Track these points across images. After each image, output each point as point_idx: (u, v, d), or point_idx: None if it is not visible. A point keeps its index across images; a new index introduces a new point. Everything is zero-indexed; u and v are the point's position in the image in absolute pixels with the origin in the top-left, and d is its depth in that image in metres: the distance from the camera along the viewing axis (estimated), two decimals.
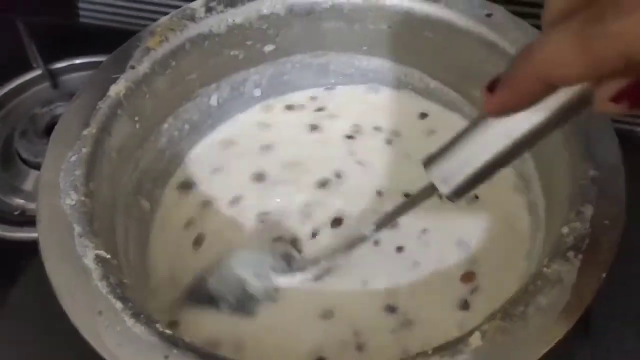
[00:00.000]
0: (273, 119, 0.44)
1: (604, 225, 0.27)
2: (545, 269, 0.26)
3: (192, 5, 0.40)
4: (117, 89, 0.35)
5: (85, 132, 0.33)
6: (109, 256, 0.28)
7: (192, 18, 0.39)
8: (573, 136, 0.31)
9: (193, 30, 0.39)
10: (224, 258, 0.34)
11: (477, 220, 0.36)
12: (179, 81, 0.39)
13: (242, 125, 0.43)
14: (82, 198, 0.30)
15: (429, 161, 0.27)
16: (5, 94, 0.59)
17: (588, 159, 0.29)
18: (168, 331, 0.25)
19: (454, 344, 0.24)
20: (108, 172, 0.33)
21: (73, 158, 0.31)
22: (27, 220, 0.49)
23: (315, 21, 0.41)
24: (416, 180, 0.28)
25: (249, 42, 0.41)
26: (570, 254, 0.26)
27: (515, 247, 0.34)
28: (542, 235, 0.32)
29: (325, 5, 0.41)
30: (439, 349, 0.24)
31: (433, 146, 0.26)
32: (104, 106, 0.34)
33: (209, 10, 0.39)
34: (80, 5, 0.69)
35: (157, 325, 0.25)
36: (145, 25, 0.63)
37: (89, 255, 0.28)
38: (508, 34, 0.36)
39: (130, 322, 0.25)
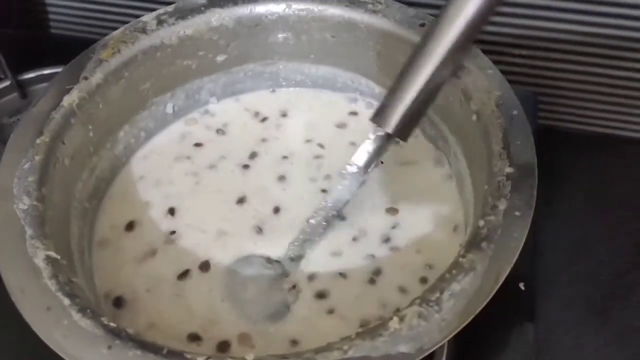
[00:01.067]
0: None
1: (514, 216, 0.29)
2: (461, 259, 0.28)
3: (144, 18, 0.42)
4: (70, 99, 0.37)
5: (38, 141, 0.34)
6: (58, 257, 0.30)
7: (144, 30, 0.41)
8: (494, 137, 0.33)
9: (145, 42, 0.40)
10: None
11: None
12: (133, 91, 0.41)
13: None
14: (35, 203, 0.32)
15: (374, 114, 0.34)
16: None
17: (505, 157, 0.32)
18: (113, 324, 0.27)
19: (375, 329, 0.26)
20: (61, 178, 0.35)
21: (26, 165, 0.33)
22: None
23: (263, 32, 0.43)
24: None
25: (201, 53, 0.43)
26: (484, 244, 0.29)
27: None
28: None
29: (272, 17, 0.43)
30: (360, 334, 0.26)
31: None
32: (57, 116, 0.36)
33: (160, 22, 0.41)
34: (51, 16, 0.70)
35: (103, 319, 0.27)
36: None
37: (40, 255, 0.29)
38: None
39: (76, 316, 0.27)
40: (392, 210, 0.39)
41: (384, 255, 0.37)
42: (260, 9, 0.42)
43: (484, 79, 0.36)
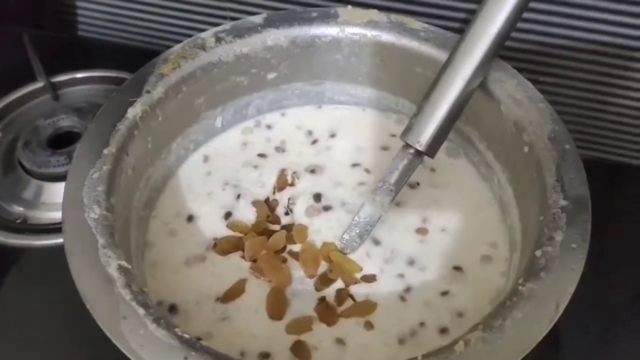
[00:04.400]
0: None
1: (571, 248, 0.31)
2: (520, 287, 0.29)
3: (203, 35, 0.43)
4: (134, 111, 0.38)
5: (105, 151, 0.35)
6: (129, 266, 0.31)
7: (203, 47, 0.42)
8: (547, 169, 0.35)
9: (204, 58, 0.42)
10: None
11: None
12: (188, 105, 0.42)
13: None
14: (104, 212, 0.33)
15: (405, 131, 0.37)
16: (9, 104, 0.61)
17: (559, 190, 0.33)
18: (186, 335, 0.28)
19: (441, 351, 0.27)
20: (125, 188, 0.36)
21: (95, 175, 0.34)
22: (28, 228, 0.51)
23: (315, 53, 0.45)
24: None
25: (253, 70, 0.44)
26: (542, 274, 0.30)
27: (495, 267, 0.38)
28: (518, 255, 0.36)
29: (325, 40, 0.44)
30: (427, 355, 0.27)
31: None
32: (122, 127, 0.37)
33: (218, 40, 0.43)
34: (80, 19, 0.71)
35: (177, 330, 0.28)
36: (140, 41, 0.67)
37: (112, 265, 0.30)
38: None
39: (152, 326, 0.28)
40: (422, 231, 0.40)
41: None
42: (315, 30, 0.44)
43: (535, 112, 0.37)
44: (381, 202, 0.38)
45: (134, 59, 0.46)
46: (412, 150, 0.37)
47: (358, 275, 0.38)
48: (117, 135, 0.36)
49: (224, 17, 0.60)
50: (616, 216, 0.46)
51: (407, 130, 0.37)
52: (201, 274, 0.38)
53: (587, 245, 0.31)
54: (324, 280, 0.38)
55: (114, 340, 0.27)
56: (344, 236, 0.39)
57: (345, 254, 0.39)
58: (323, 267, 0.39)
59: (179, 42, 0.42)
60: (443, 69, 0.37)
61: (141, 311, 0.28)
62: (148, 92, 0.39)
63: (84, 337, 0.42)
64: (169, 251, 0.39)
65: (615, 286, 0.46)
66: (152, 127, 0.39)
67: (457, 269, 0.38)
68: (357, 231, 0.39)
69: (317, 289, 0.38)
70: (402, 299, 0.37)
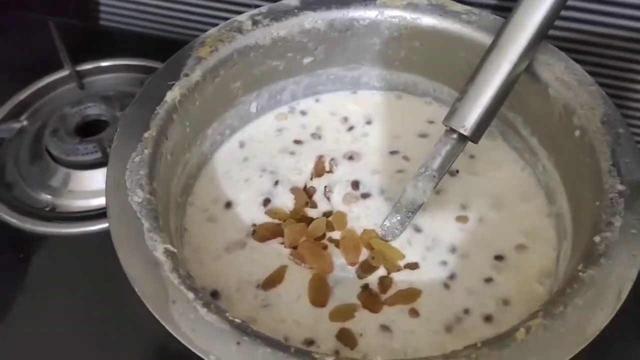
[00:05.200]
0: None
1: (631, 234, 0.30)
2: (580, 274, 0.28)
3: (239, 18, 0.42)
4: (172, 95, 0.37)
5: (146, 135, 0.35)
6: (175, 250, 0.30)
7: (240, 30, 0.41)
8: (601, 153, 0.34)
9: (241, 41, 0.41)
10: None
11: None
12: (225, 89, 0.42)
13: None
14: (148, 196, 0.32)
15: (448, 116, 0.36)
16: (34, 92, 0.61)
17: (615, 175, 0.32)
18: (237, 320, 0.27)
19: (502, 338, 0.26)
20: (164, 173, 0.35)
21: (137, 158, 0.33)
22: (57, 216, 0.51)
23: (352, 37, 0.44)
24: None
25: (290, 54, 0.44)
26: (603, 260, 0.29)
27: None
28: (569, 243, 0.35)
29: (364, 23, 0.43)
30: (487, 342, 0.26)
31: None
32: (161, 111, 0.36)
33: (255, 23, 0.42)
34: (102, 8, 0.71)
35: (227, 314, 0.27)
36: (162, 30, 0.66)
37: (159, 248, 0.30)
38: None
39: (202, 311, 0.27)
40: (462, 219, 0.40)
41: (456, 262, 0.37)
42: (353, 13, 0.43)
43: (586, 95, 0.36)
44: (423, 189, 0.37)
45: (157, 48, 0.46)
46: (455, 135, 0.36)
47: (401, 263, 0.37)
48: (157, 119, 0.36)
49: (249, 5, 0.59)
50: None
51: (451, 114, 0.36)
52: (242, 261, 0.37)
53: None
54: (366, 268, 0.37)
55: (165, 324, 0.27)
56: (385, 223, 0.38)
57: (386, 241, 0.38)
58: (364, 254, 0.38)
59: (201, 31, 0.41)
60: (488, 52, 0.36)
61: (190, 295, 0.28)
62: (186, 75, 0.38)
63: (110, 323, 0.42)
64: (210, 237, 0.38)
65: None
66: (190, 111, 0.38)
67: (499, 257, 0.37)
68: (399, 218, 0.38)
69: (360, 277, 0.37)
70: (446, 286, 0.36)
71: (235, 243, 0.38)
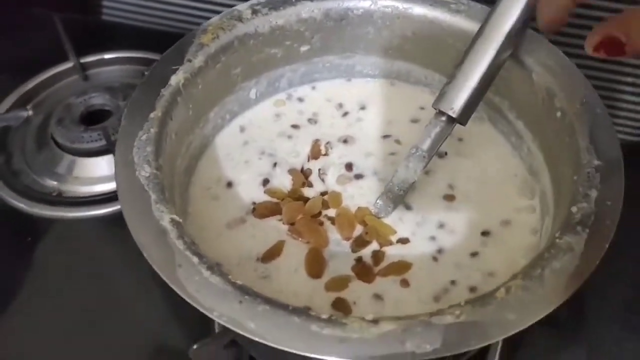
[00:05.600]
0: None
1: (606, 205, 0.32)
2: (557, 240, 0.31)
3: (239, 7, 0.44)
4: (177, 78, 0.39)
5: (152, 115, 0.37)
6: (180, 220, 0.32)
7: (240, 19, 0.43)
8: (580, 133, 0.36)
9: (241, 29, 0.43)
10: None
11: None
12: (226, 75, 0.44)
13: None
14: (154, 171, 0.34)
15: (437, 99, 0.38)
16: (39, 84, 0.63)
17: (592, 152, 0.34)
18: (239, 282, 0.29)
19: (483, 297, 0.29)
20: (169, 152, 0.37)
21: (144, 137, 0.35)
22: (62, 201, 0.53)
23: (347, 26, 0.46)
24: None
25: (287, 42, 0.46)
26: (579, 228, 0.31)
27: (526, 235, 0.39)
28: (550, 219, 0.37)
29: (358, 12, 0.45)
30: (470, 301, 0.28)
31: None
32: (166, 93, 0.38)
33: (254, 12, 0.44)
34: (105, 3, 0.73)
35: (229, 277, 0.29)
36: (163, 24, 0.68)
37: (165, 218, 0.32)
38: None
39: (206, 273, 0.29)
40: (449, 197, 0.42)
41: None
42: (348, 3, 0.45)
43: (566, 78, 0.38)
44: (414, 168, 0.39)
45: (157, 41, 0.48)
46: (444, 118, 0.38)
47: (392, 238, 0.39)
48: (162, 101, 0.38)
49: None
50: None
51: (440, 97, 0.38)
52: (242, 236, 0.39)
53: (621, 202, 0.32)
54: (360, 242, 0.39)
55: (172, 286, 0.29)
56: (377, 201, 0.40)
57: (379, 218, 0.40)
58: (358, 230, 0.40)
59: (198, 24, 0.43)
60: (475, 39, 0.38)
61: (195, 259, 0.30)
62: (189, 60, 0.40)
63: (114, 302, 0.45)
64: (212, 214, 0.40)
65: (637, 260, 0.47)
66: (193, 94, 0.40)
67: (486, 232, 0.40)
68: (391, 196, 0.40)
69: (353, 251, 0.39)
70: (435, 259, 0.38)
71: (236, 220, 0.40)
